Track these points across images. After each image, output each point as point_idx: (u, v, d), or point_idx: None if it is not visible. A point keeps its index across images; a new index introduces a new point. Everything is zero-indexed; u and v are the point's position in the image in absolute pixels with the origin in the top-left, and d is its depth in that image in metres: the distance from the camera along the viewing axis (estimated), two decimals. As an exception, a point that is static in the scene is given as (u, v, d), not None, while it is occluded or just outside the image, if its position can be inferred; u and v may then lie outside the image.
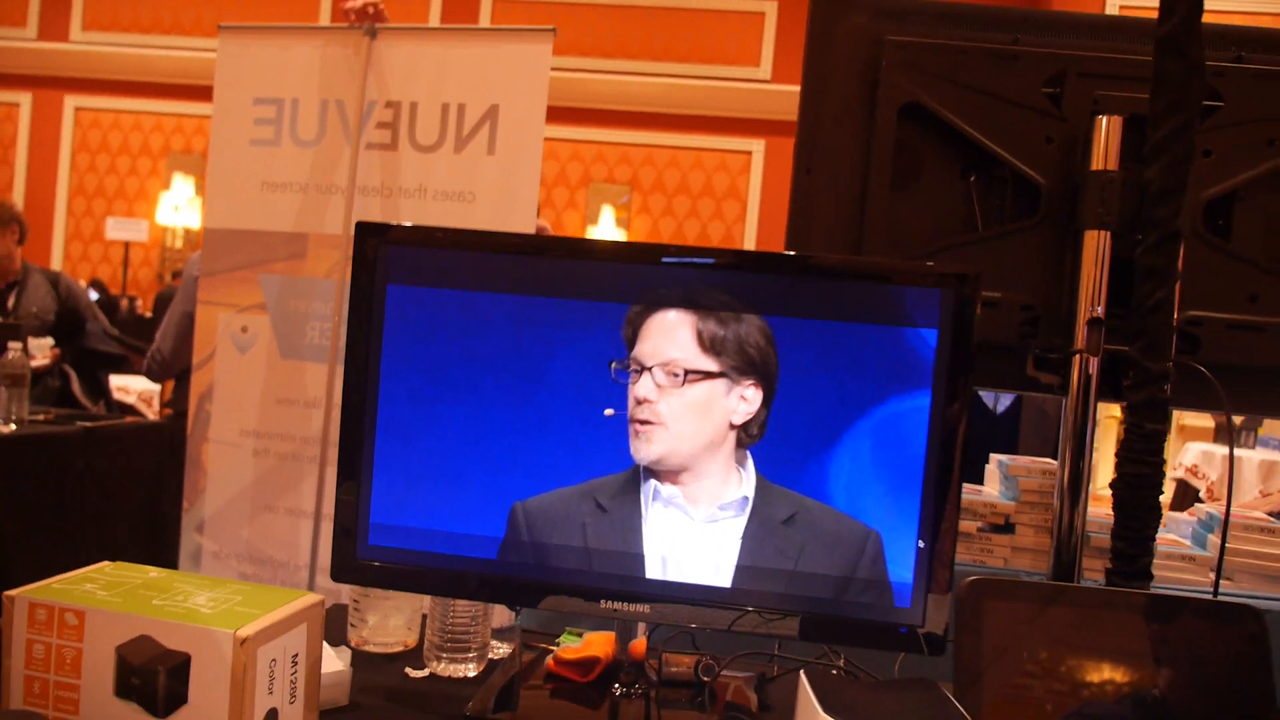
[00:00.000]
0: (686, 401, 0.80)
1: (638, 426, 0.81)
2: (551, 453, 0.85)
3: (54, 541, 2.23)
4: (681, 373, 0.79)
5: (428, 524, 0.89)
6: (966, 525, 1.48)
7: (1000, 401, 2.78)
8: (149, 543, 2.48)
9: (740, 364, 0.79)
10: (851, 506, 0.80)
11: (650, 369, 0.80)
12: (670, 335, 0.80)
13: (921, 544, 0.83)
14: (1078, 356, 0.96)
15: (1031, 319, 1.00)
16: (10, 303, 3.55)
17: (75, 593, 0.68)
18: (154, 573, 0.75)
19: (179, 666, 0.64)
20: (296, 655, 0.70)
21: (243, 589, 0.72)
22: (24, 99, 9.54)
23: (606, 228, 8.56)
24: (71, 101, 9.49)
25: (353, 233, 2.33)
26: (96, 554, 2.39)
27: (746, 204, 8.53)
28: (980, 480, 1.71)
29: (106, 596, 0.68)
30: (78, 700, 0.66)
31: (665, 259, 0.84)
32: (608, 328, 0.82)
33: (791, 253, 0.89)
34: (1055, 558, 0.98)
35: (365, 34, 2.16)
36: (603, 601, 0.87)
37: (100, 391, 3.62)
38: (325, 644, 0.91)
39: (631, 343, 0.81)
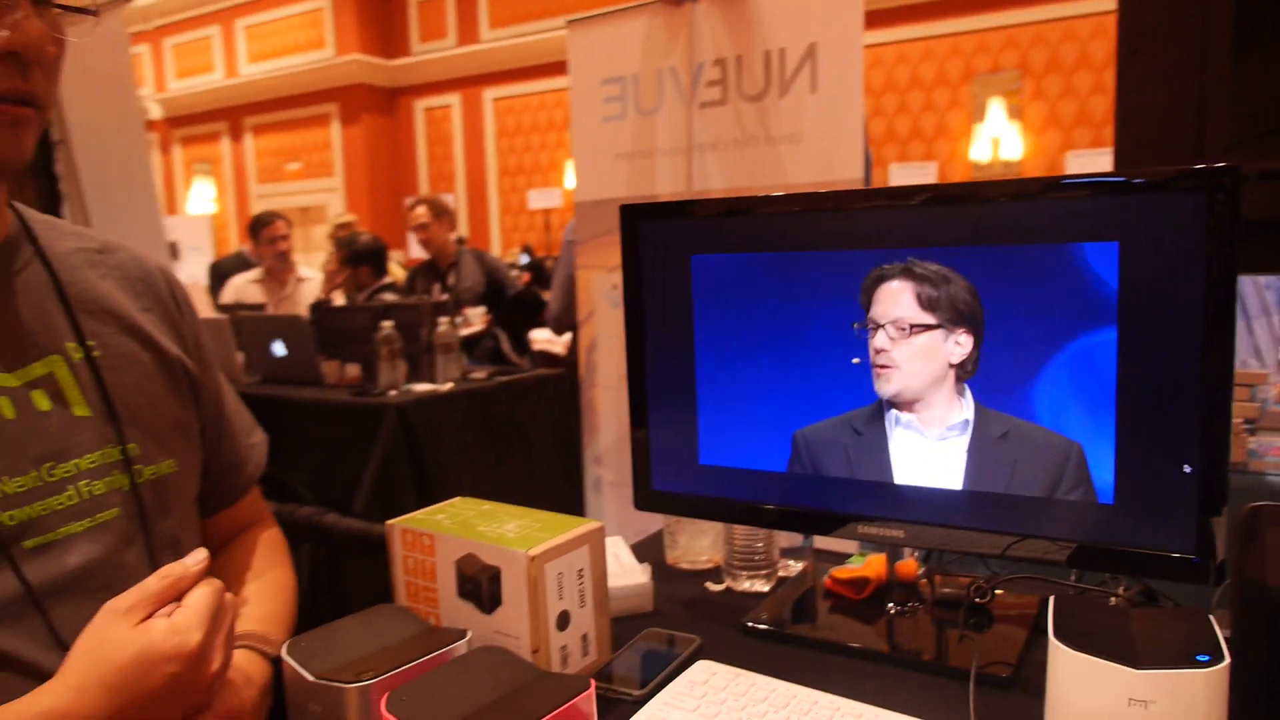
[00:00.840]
0: (913, 349, 0.91)
1: (878, 369, 0.93)
2: (818, 392, 0.96)
3: (489, 478, 2.74)
4: (907, 327, 0.91)
5: (715, 461, 1.02)
6: None
7: None
8: (562, 477, 2.93)
9: (953, 317, 0.88)
10: (1055, 422, 0.85)
11: (883, 326, 0.92)
12: (896, 299, 0.91)
13: (1187, 468, 0.79)
14: None
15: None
16: (451, 280, 4.28)
17: (429, 521, 0.91)
18: (487, 506, 0.97)
19: (494, 577, 0.84)
20: (581, 570, 0.87)
21: (544, 518, 0.91)
22: (454, 99, 11.15)
23: (996, 123, 7.95)
24: (489, 94, 10.89)
25: (693, 188, 2.50)
26: (525, 486, 2.88)
27: (1165, 67, 7.39)
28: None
29: (449, 524, 0.90)
30: (436, 599, 0.89)
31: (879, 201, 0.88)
32: (851, 296, 0.93)
33: (982, 181, 0.87)
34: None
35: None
36: (859, 526, 0.94)
37: (525, 347, 4.26)
38: (633, 561, 1.09)
39: (867, 307, 0.92)
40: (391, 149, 11.57)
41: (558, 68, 10.23)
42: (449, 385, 2.72)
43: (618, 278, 2.48)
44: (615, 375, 2.53)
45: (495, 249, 10.62)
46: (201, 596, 0.69)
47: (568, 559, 0.85)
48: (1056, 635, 0.74)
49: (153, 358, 0.85)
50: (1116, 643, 0.72)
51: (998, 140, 7.95)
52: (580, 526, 0.88)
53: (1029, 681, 0.84)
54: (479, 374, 2.96)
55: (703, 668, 0.86)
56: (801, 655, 0.92)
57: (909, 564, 1.01)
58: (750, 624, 0.98)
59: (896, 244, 0.89)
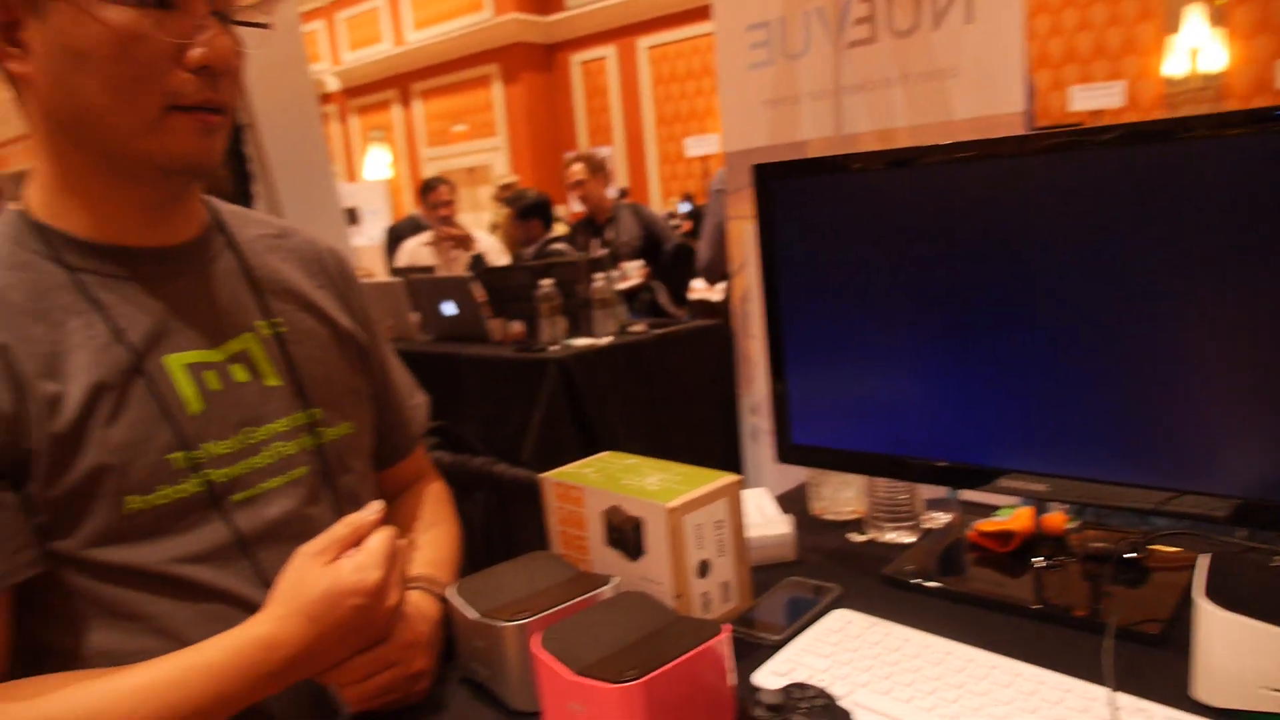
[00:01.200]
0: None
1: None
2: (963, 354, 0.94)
3: (646, 427, 2.82)
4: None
5: (854, 415, 1.04)
6: None
7: None
8: (719, 427, 2.98)
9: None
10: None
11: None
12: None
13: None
14: None
15: None
16: (609, 235, 4.37)
17: (578, 475, 0.98)
18: (632, 459, 1.02)
19: (637, 527, 0.89)
20: (720, 521, 0.91)
21: (684, 471, 0.95)
22: (609, 51, 11.21)
23: (1194, 32, 7.22)
24: (644, 43, 10.87)
25: (841, 132, 2.44)
26: (682, 434, 2.95)
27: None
28: None
29: (596, 477, 0.96)
30: (586, 547, 0.96)
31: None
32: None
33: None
34: None
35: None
36: (1001, 479, 0.93)
37: (683, 299, 4.31)
38: (776, 511, 1.13)
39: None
40: (550, 105, 11.80)
41: (710, 11, 10.09)
42: (607, 339, 2.81)
43: (769, 227, 2.49)
44: (767, 326, 2.54)
45: (655, 199, 10.69)
46: (379, 540, 0.79)
47: (706, 511, 0.89)
48: (1207, 593, 0.72)
49: (329, 331, 0.95)
50: (1273, 603, 0.69)
51: (1196, 51, 7.23)
52: (718, 480, 0.92)
53: (1181, 641, 0.82)
54: (637, 327, 3.03)
55: (839, 616, 0.88)
56: (940, 607, 0.93)
57: (1056, 517, 0.99)
58: (889, 574, 1.00)
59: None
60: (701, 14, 10.14)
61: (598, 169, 4.41)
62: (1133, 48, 7.60)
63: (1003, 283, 0.89)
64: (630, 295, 3.99)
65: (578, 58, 11.46)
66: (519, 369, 2.70)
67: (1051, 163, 0.85)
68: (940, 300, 0.94)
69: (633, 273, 4.11)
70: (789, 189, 1.04)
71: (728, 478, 0.92)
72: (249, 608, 0.78)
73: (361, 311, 1.02)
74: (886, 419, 1.01)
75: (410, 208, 13.12)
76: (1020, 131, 2.03)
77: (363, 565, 0.77)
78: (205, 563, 0.79)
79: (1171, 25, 7.31)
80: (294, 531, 0.84)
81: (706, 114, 10.53)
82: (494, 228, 6.92)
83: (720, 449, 2.98)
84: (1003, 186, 0.88)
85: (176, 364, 0.81)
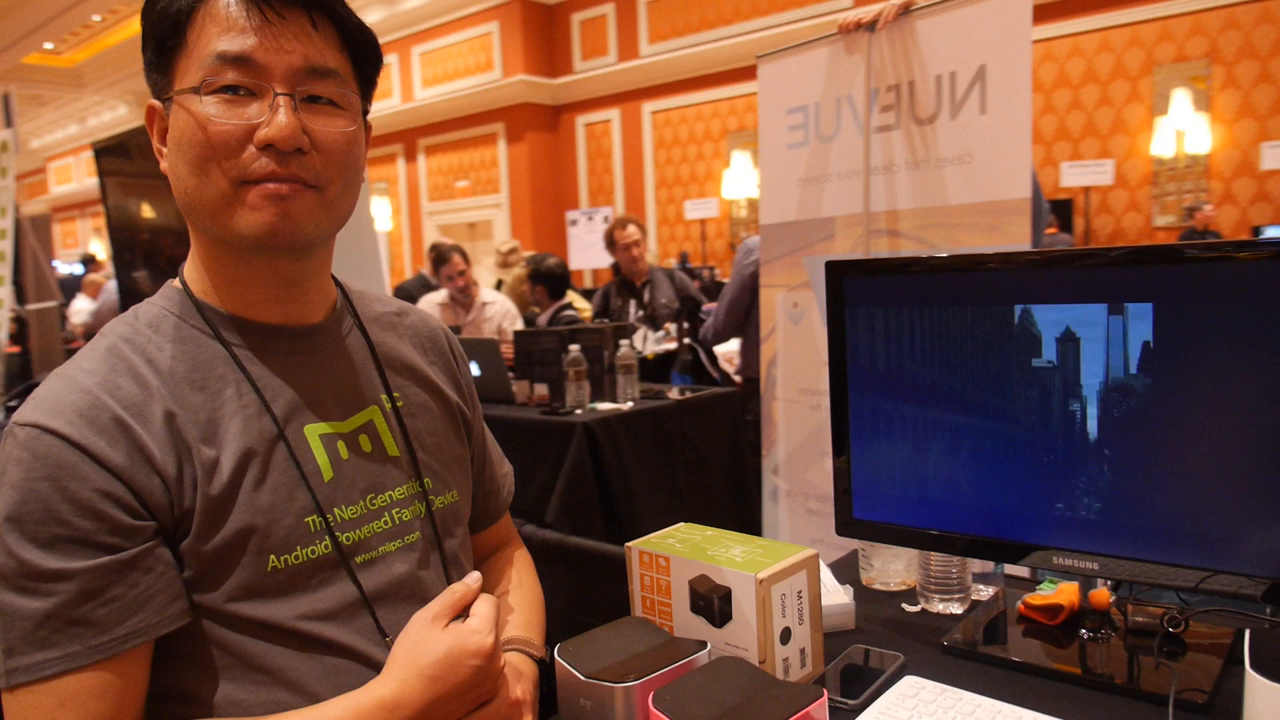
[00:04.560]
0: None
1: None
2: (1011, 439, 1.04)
3: (665, 490, 2.90)
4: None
5: (908, 492, 1.13)
6: None
7: None
8: (734, 488, 3.06)
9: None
10: None
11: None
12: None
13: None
14: None
15: None
16: (646, 297, 4.47)
17: (663, 545, 1.06)
18: (710, 531, 1.11)
19: (725, 595, 0.97)
20: (800, 591, 0.99)
21: (764, 544, 1.04)
22: (613, 114, 11.50)
23: (1180, 115, 7.51)
24: (648, 107, 11.16)
25: (870, 209, 2.56)
26: (697, 497, 3.03)
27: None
28: None
29: (681, 548, 1.04)
30: (670, 612, 1.03)
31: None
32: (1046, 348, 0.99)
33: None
34: None
35: (865, 29, 2.38)
36: (1055, 558, 1.02)
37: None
38: (835, 581, 1.21)
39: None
40: (553, 164, 12.04)
41: (714, 79, 10.39)
42: (629, 404, 2.90)
43: (799, 296, 2.62)
44: (795, 389, 2.64)
45: (652, 258, 10.87)
46: (489, 606, 0.88)
47: (790, 581, 0.98)
48: (1254, 666, 0.80)
49: (440, 405, 1.04)
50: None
51: (1182, 133, 7.52)
52: (799, 553, 1.00)
53: (1224, 710, 0.90)
54: (673, 392, 3.14)
55: (911, 683, 0.96)
56: (998, 675, 1.01)
57: (1102, 593, 1.07)
58: (950, 644, 1.08)
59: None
60: (704, 82, 10.45)
61: (645, 232, 4.55)
62: (1122, 128, 7.90)
63: (1051, 385, 0.99)
64: (670, 356, 4.10)
65: (583, 119, 11.75)
66: (545, 431, 2.78)
67: (1095, 275, 0.96)
68: (994, 394, 1.04)
69: (673, 334, 4.22)
70: (857, 284, 1.14)
71: (806, 551, 1.01)
72: (368, 663, 0.86)
73: (468, 385, 1.10)
74: (947, 498, 1.10)
75: (408, 259, 13.27)
76: (1027, 214, 2.17)
77: (478, 629, 0.85)
78: (331, 620, 0.86)
79: (1160, 108, 7.60)
80: (408, 592, 0.92)
81: (707, 178, 10.78)
82: (498, 285, 7.04)
83: (736, 510, 3.06)
84: (1047, 292, 0.99)
85: (313, 434, 0.90)
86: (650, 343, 4.09)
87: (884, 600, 1.25)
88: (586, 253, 10.66)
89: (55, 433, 0.76)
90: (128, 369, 0.82)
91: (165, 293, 0.91)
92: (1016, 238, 2.21)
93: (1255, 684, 0.80)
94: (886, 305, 1.12)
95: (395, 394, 0.99)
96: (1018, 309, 1.02)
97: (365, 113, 0.92)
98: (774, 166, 2.66)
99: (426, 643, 0.83)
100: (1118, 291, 0.96)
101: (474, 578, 0.92)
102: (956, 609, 1.18)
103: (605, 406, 2.87)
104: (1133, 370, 0.95)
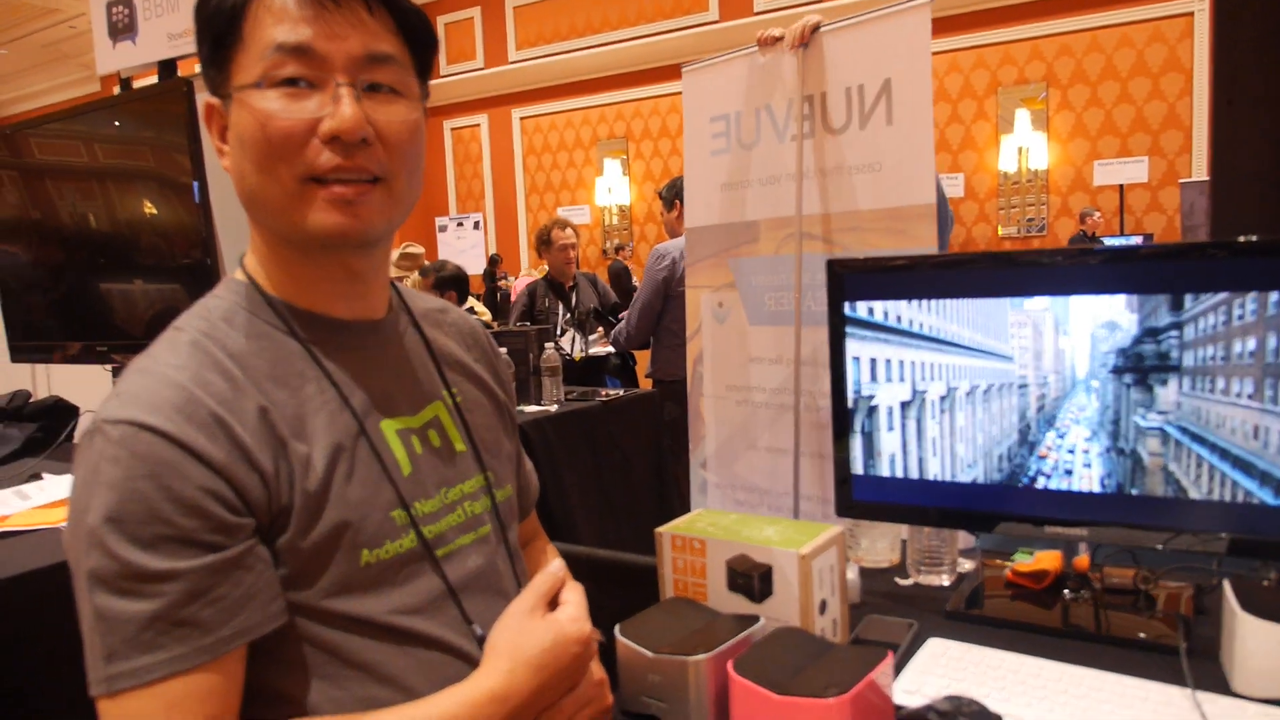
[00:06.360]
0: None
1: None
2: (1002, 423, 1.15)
3: (595, 486, 2.94)
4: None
5: (903, 474, 1.22)
6: None
7: None
8: (658, 481, 3.13)
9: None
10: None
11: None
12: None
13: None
14: None
15: None
16: (573, 300, 4.48)
17: (694, 528, 1.11)
18: (733, 516, 1.17)
19: (765, 573, 1.04)
20: (832, 566, 1.06)
21: (791, 524, 1.11)
22: (482, 119, 11.37)
23: (1022, 134, 8.13)
24: (517, 113, 11.10)
25: (800, 213, 2.65)
26: (622, 494, 3.08)
27: (1192, 74, 7.47)
28: None
29: (714, 531, 1.10)
30: (705, 593, 1.09)
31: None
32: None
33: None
34: None
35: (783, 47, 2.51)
36: (1047, 527, 1.14)
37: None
38: (839, 560, 1.29)
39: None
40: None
41: (585, 86, 10.45)
42: (554, 406, 2.93)
43: (724, 295, 2.72)
44: (722, 385, 2.73)
45: (524, 266, 10.83)
46: (578, 594, 0.91)
47: (825, 556, 1.05)
48: (1245, 608, 0.93)
49: (490, 401, 1.05)
50: (1293, 614, 0.91)
51: (1025, 150, 8.14)
52: (828, 530, 1.07)
53: (1197, 651, 1.02)
54: (586, 394, 3.18)
55: (937, 644, 1.05)
56: (998, 634, 1.11)
57: (1083, 558, 1.20)
58: (953, 610, 1.18)
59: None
60: (574, 89, 10.50)
61: (564, 226, 4.58)
62: (971, 144, 8.47)
63: (1029, 372, 1.11)
64: (600, 359, 4.14)
65: (450, 123, 11.57)
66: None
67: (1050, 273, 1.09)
68: (975, 378, 1.15)
69: (599, 339, 4.26)
70: (855, 280, 1.23)
71: (834, 529, 1.08)
72: (459, 655, 0.87)
73: (507, 380, 1.12)
74: (944, 478, 1.20)
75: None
76: (933, 219, 2.33)
77: (576, 616, 0.88)
78: (420, 614, 0.87)
79: (1005, 126, 8.20)
80: (485, 583, 0.94)
81: (578, 185, 10.82)
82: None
83: (657, 505, 3.13)
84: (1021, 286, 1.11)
85: (389, 429, 0.90)
86: (579, 345, 4.12)
87: (875, 576, 1.34)
88: (458, 259, 10.50)
89: (155, 429, 0.74)
90: (214, 364, 0.81)
91: (230, 286, 0.89)
92: (923, 241, 2.36)
93: (1243, 622, 0.93)
94: (885, 299, 1.21)
95: (453, 389, 1.00)
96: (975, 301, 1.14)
97: (424, 97, 0.91)
98: (698, 172, 2.75)
99: (529, 633, 0.85)
100: (1083, 285, 1.08)
101: (558, 565, 0.93)
102: (945, 580, 1.29)
103: (532, 409, 2.88)
104: (1104, 360, 1.07)
